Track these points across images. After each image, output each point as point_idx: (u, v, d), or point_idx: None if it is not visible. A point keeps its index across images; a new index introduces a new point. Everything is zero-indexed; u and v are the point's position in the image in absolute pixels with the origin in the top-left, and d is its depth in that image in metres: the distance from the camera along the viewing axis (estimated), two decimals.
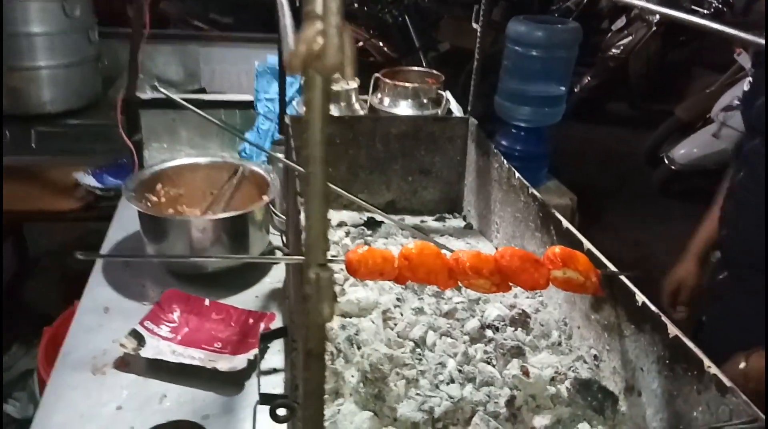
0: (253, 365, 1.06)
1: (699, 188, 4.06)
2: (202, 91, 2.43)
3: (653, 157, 4.49)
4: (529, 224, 1.00)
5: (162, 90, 1.05)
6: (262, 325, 1.17)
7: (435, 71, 1.74)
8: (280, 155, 1.08)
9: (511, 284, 0.77)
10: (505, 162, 1.09)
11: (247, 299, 1.29)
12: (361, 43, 4.36)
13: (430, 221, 1.30)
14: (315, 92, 0.35)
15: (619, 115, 5.76)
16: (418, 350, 0.85)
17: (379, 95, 1.71)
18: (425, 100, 1.67)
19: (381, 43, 4.47)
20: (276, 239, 1.45)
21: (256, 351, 1.08)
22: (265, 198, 1.33)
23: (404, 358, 0.82)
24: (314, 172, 0.37)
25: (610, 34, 5.58)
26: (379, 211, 1.05)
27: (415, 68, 1.81)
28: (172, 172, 1.44)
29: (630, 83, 5.63)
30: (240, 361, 1.06)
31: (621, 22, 5.42)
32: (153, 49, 2.41)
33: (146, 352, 1.06)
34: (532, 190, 0.99)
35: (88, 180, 1.91)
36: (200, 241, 1.30)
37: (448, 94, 1.71)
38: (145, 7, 1.52)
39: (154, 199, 1.41)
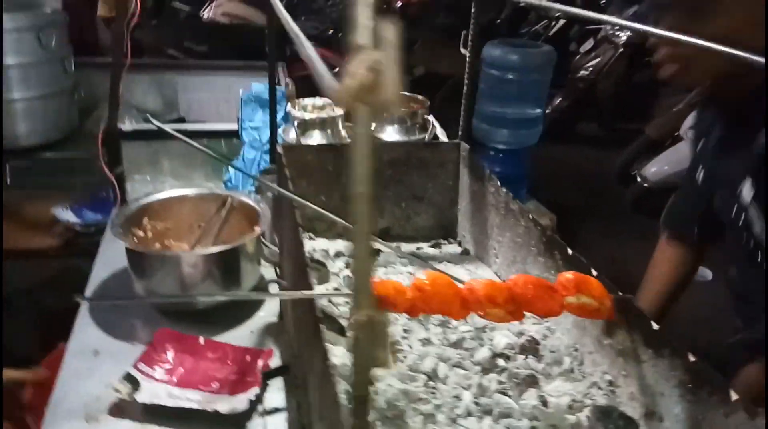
0: (254, 405, 1.02)
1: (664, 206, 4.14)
2: (182, 120, 2.40)
3: (625, 176, 4.57)
4: (531, 249, 1.00)
5: (153, 121, 1.02)
6: (260, 363, 1.13)
7: (420, 96, 1.75)
8: (273, 185, 1.06)
9: (525, 312, 0.76)
10: (502, 187, 1.09)
11: (241, 335, 1.25)
12: (337, 69, 4.38)
13: (426, 248, 1.28)
14: (363, 128, 0.33)
15: (590, 136, 5.88)
16: (431, 383, 0.83)
17: None
18: (411, 126, 1.67)
19: None
20: (266, 271, 1.42)
21: (256, 390, 1.04)
22: (257, 229, 1.30)
23: (418, 393, 0.80)
24: (362, 210, 0.35)
25: (578, 56, 5.71)
26: (379, 239, 1.03)
27: (403, 93, 1.81)
28: (159, 206, 1.40)
29: (599, 104, 5.77)
30: (240, 402, 1.02)
31: (589, 44, 5.57)
32: (130, 79, 2.35)
33: (142, 397, 1.02)
34: (533, 215, 0.98)
35: (67, 215, 1.85)
36: (191, 277, 1.26)
37: (433, 119, 1.71)
38: (126, 37, 1.50)
39: (141, 233, 1.37)
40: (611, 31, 5.52)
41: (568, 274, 0.76)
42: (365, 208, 0.35)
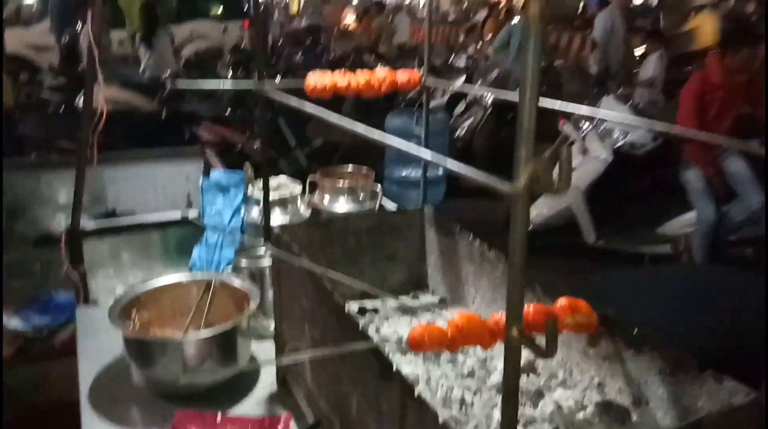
0: None
1: (552, 243, 4.69)
2: (113, 213, 2.39)
3: (509, 222, 5.05)
4: None
5: (193, 219, 1.12)
6: (280, 427, 1.21)
7: (365, 168, 1.95)
8: (293, 257, 1.18)
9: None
10: (475, 239, 1.31)
11: (248, 409, 1.32)
12: (240, 146, 4.50)
13: (408, 300, 1.45)
14: (522, 214, 0.52)
15: (475, 188, 6.39)
16: (463, 409, 0.99)
17: (319, 195, 1.88)
18: (362, 196, 1.86)
19: (257, 144, 4.64)
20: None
21: None
22: (252, 305, 1.40)
23: (459, 418, 0.96)
24: (516, 262, 0.53)
25: (453, 118, 6.29)
26: (388, 293, 1.19)
27: (347, 167, 2.00)
28: (145, 297, 1.45)
29: (477, 158, 6.37)
30: None
31: (461, 107, 6.20)
32: (53, 177, 2.35)
33: None
34: None
35: (15, 322, 1.79)
36: (193, 360, 1.32)
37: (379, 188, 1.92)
38: (92, 137, 1.56)
39: (130, 325, 1.40)
40: (479, 95, 6.20)
41: (563, 300, 0.97)
42: (519, 258, 0.53)
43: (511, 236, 0.53)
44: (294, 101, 1.10)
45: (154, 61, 6.61)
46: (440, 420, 0.73)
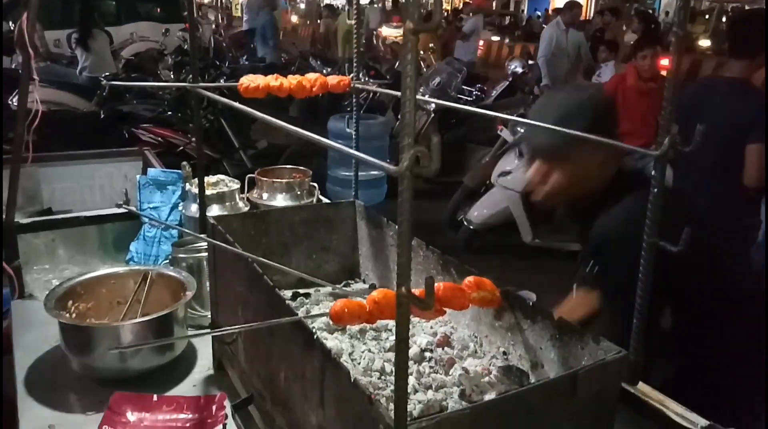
0: None
1: (493, 242, 4.88)
2: (49, 211, 2.38)
3: (454, 222, 5.23)
4: (430, 271, 1.32)
5: (126, 207, 1.17)
6: (214, 406, 1.29)
7: (301, 167, 2.04)
8: (226, 246, 1.26)
9: (446, 309, 1.07)
10: None
11: (185, 391, 1.38)
12: (181, 148, 4.49)
13: (341, 288, 1.55)
14: (407, 191, 0.62)
15: (419, 190, 6.57)
16: (383, 377, 1.10)
17: (257, 191, 1.95)
18: (299, 192, 1.95)
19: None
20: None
21: (220, 427, 1.21)
22: (189, 294, 1.46)
23: (378, 384, 1.06)
24: (404, 232, 0.64)
25: (397, 123, 6.44)
26: (317, 279, 1.28)
27: (286, 166, 2.08)
28: (81, 288, 1.49)
29: None
30: None
31: None
32: None
33: None
34: (430, 246, 1.32)
35: None
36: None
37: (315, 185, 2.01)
38: (27, 134, 1.58)
39: (67, 315, 1.44)
40: (422, 100, 6.38)
41: (470, 278, 1.09)
42: (407, 229, 0.64)
43: (399, 210, 0.63)
44: (227, 100, 1.18)
45: (92, 62, 6.48)
46: (352, 378, 0.83)
